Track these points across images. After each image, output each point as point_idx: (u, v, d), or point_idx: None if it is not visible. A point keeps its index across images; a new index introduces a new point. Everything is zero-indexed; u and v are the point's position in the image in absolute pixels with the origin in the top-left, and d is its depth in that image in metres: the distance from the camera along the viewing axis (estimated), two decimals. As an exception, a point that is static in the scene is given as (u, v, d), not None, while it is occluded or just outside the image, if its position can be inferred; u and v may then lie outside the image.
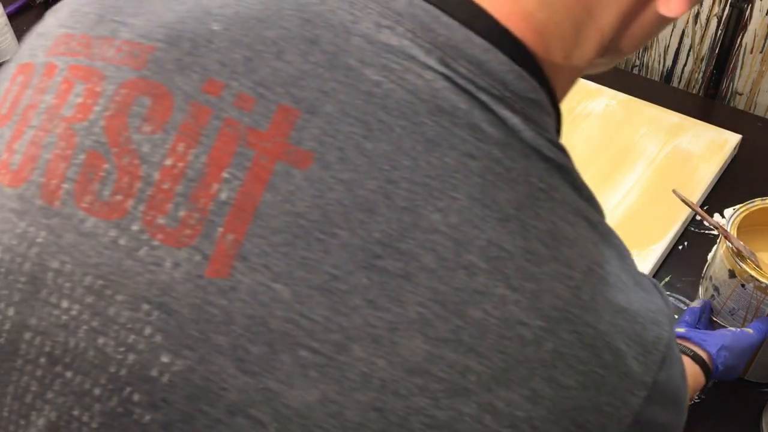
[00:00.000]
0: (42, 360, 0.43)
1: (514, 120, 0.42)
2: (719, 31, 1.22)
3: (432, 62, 0.41)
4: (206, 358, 0.40)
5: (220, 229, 0.40)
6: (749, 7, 1.16)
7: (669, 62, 1.31)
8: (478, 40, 0.42)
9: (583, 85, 1.21)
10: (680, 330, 0.81)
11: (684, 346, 0.78)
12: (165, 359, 0.41)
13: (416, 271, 0.39)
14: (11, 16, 1.42)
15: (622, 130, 1.14)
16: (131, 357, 0.41)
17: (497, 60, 0.42)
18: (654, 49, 1.31)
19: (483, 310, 0.39)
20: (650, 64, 1.33)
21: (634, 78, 1.31)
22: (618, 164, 1.07)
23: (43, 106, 0.45)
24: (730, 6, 1.17)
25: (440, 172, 0.40)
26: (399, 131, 0.40)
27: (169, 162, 0.41)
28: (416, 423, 0.39)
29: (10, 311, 0.44)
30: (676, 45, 1.28)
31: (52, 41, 0.47)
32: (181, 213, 0.41)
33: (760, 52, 1.21)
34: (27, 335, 0.43)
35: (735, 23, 1.17)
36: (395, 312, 0.39)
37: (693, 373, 0.77)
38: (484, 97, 0.42)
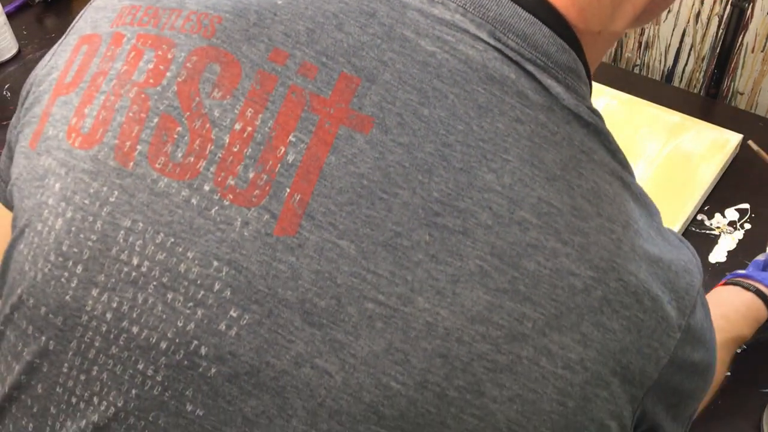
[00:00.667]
0: (108, 315, 0.45)
1: (557, 89, 0.45)
2: (720, 31, 1.22)
3: (483, 35, 0.44)
4: (274, 312, 0.43)
5: (288, 190, 0.43)
6: (750, 7, 1.16)
7: (670, 62, 1.30)
8: (525, 15, 0.45)
9: (583, 84, 1.21)
10: (742, 271, 0.85)
11: (747, 282, 0.82)
12: (233, 313, 0.43)
13: (474, 227, 0.42)
14: (10, 15, 1.42)
15: (623, 129, 1.14)
16: (200, 312, 0.44)
17: (542, 33, 0.45)
18: (655, 48, 1.30)
19: (537, 262, 0.42)
20: (651, 64, 1.33)
21: (635, 77, 1.30)
22: (619, 164, 1.07)
23: (113, 72, 0.47)
24: (731, 5, 1.16)
25: (492, 136, 0.43)
26: (453, 98, 0.43)
27: (238, 126, 0.44)
28: (479, 367, 0.42)
29: (78, 268, 0.46)
30: (677, 44, 1.28)
31: (116, 13, 0.50)
32: (251, 174, 0.43)
33: (762, 52, 1.20)
34: (94, 291, 0.46)
35: (736, 22, 1.17)
36: (456, 265, 0.42)
37: (756, 307, 0.80)
38: (530, 67, 0.45)
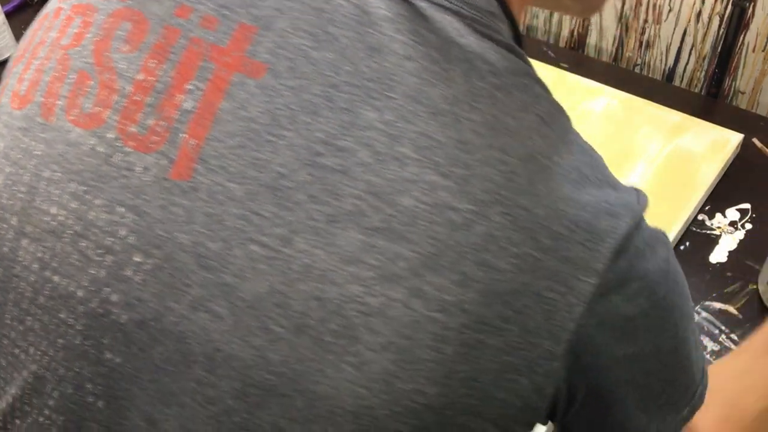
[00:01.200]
0: (35, 266, 0.47)
1: (455, 25, 0.45)
2: (721, 30, 1.22)
3: None
4: (171, 256, 0.44)
5: (183, 135, 0.44)
6: (751, 6, 1.16)
7: (671, 61, 1.30)
8: None
9: (583, 84, 1.20)
10: None
11: None
12: (137, 258, 0.44)
13: (353, 165, 0.42)
14: (9, 15, 1.41)
15: (623, 129, 1.13)
16: (109, 258, 0.45)
17: None
18: (655, 47, 1.30)
19: (413, 197, 0.41)
20: (652, 63, 1.32)
21: (636, 77, 1.30)
22: (619, 164, 1.07)
23: (48, 41, 0.50)
24: (732, 5, 1.16)
25: (379, 75, 0.43)
26: (344, 41, 0.43)
27: (141, 76, 0.45)
28: (351, 310, 0.41)
29: (14, 220, 0.48)
30: (677, 43, 1.27)
31: None
32: (150, 121, 0.45)
33: (762, 51, 1.20)
34: (24, 242, 0.47)
35: (737, 22, 1.17)
36: (334, 205, 0.42)
37: None
38: (424, 4, 0.44)
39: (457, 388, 0.42)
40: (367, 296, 0.41)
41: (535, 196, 0.43)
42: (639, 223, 0.46)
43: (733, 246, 0.99)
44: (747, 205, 1.04)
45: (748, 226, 1.01)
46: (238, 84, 0.44)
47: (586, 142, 0.48)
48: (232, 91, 0.44)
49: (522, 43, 0.51)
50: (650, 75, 1.33)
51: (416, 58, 0.43)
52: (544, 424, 0.48)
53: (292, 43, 0.44)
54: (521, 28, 0.52)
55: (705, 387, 0.53)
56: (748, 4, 1.15)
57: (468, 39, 0.44)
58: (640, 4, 1.26)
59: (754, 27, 1.18)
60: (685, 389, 0.51)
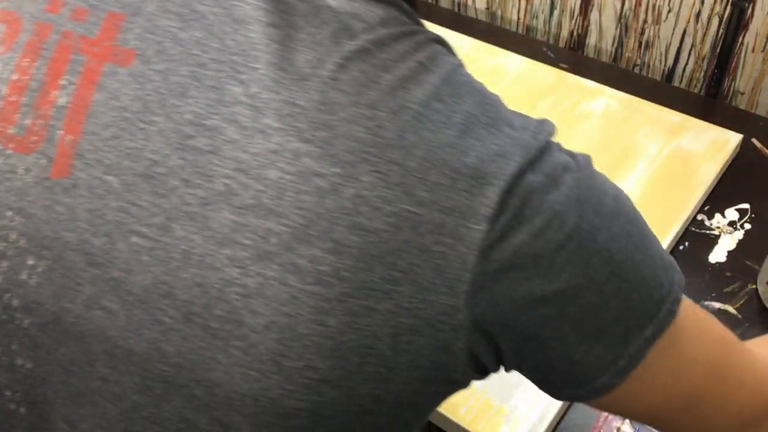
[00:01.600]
0: None
1: None
2: (721, 30, 1.22)
3: None
4: (61, 256, 0.43)
5: (60, 132, 0.43)
6: (751, 6, 1.16)
7: (670, 61, 1.30)
8: None
9: (583, 84, 1.21)
10: None
11: None
12: (30, 261, 0.44)
13: (221, 144, 0.41)
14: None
15: (623, 129, 1.13)
16: (4, 264, 0.45)
17: None
18: (655, 48, 1.30)
19: (279, 168, 0.40)
20: (651, 63, 1.32)
21: (635, 77, 1.30)
22: (619, 164, 1.07)
23: None
24: (731, 5, 1.16)
25: (244, 47, 0.42)
26: (212, 18, 0.43)
27: (15, 77, 0.45)
28: (231, 294, 0.41)
29: None
30: (677, 44, 1.28)
31: None
32: (27, 121, 0.44)
33: (762, 51, 1.20)
34: None
35: (736, 22, 1.17)
36: (206, 187, 0.41)
37: None
38: None
39: (350, 358, 0.41)
40: (245, 277, 0.41)
41: (406, 149, 0.41)
42: (537, 156, 0.43)
43: (732, 246, 0.99)
44: (746, 206, 1.04)
45: (748, 226, 1.02)
46: (109, 74, 0.43)
47: (478, 83, 0.46)
48: (104, 81, 0.43)
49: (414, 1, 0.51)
50: (650, 75, 1.33)
51: (281, 25, 0.42)
52: (478, 379, 0.47)
53: (160, 26, 0.43)
54: None
55: (676, 296, 0.48)
56: (747, 5, 1.15)
57: (338, 0, 0.44)
58: (640, 5, 1.27)
59: (753, 27, 1.18)
60: (641, 310, 0.47)
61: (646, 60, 1.33)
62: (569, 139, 1.10)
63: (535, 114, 1.14)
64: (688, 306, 0.50)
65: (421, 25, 0.48)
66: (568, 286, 0.44)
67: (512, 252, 0.42)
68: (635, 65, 1.34)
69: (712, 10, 1.21)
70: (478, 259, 0.41)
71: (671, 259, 0.50)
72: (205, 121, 0.41)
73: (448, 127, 0.42)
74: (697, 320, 0.51)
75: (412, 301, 0.41)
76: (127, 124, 0.43)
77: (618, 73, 1.29)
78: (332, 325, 0.41)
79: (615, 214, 0.46)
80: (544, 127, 0.46)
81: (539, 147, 0.44)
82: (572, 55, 1.35)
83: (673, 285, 0.49)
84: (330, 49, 0.42)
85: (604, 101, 1.18)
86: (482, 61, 1.27)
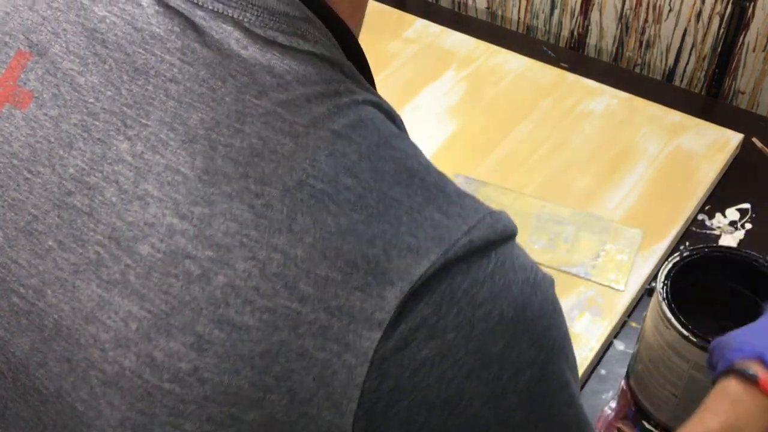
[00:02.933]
0: None
1: (236, 35, 0.38)
2: (721, 30, 1.22)
3: None
4: None
5: None
6: (751, 6, 1.16)
7: (671, 61, 1.30)
8: None
9: (583, 84, 1.20)
10: (743, 345, 0.59)
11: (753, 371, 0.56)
12: None
13: (99, 206, 0.37)
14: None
15: (623, 129, 1.13)
16: None
17: None
18: (656, 47, 1.30)
19: (150, 244, 0.36)
20: (652, 63, 1.32)
21: (636, 77, 1.30)
22: (619, 164, 1.07)
23: None
24: (732, 5, 1.16)
25: (138, 100, 0.38)
26: (111, 63, 0.39)
27: None
28: (93, 378, 0.37)
29: None
30: (678, 44, 1.27)
31: None
32: None
33: (763, 51, 1.20)
34: None
35: (737, 22, 1.17)
36: (78, 252, 0.37)
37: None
38: (200, 13, 0.39)
39: None
40: (104, 363, 0.37)
41: (295, 234, 0.35)
42: (466, 256, 0.37)
43: (734, 246, 0.99)
44: (747, 205, 1.04)
45: (748, 226, 1.01)
46: (7, 116, 0.40)
47: (417, 158, 0.39)
48: (1, 124, 0.40)
49: (354, 47, 0.44)
50: (650, 75, 1.33)
51: (182, 80, 0.38)
52: None
53: (61, 68, 0.40)
54: (358, 30, 0.45)
55: None
56: (748, 4, 1.15)
57: (251, 50, 0.38)
58: (640, 4, 1.26)
59: (754, 27, 1.18)
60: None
61: (647, 59, 1.32)
62: (569, 139, 1.10)
63: (536, 114, 1.14)
64: None
65: (359, 81, 0.41)
66: (474, 423, 0.38)
67: (413, 369, 0.36)
68: (636, 65, 1.34)
69: (713, 9, 1.21)
70: (369, 373, 0.35)
71: (592, 425, 0.45)
72: (86, 178, 0.38)
73: (356, 210, 0.36)
74: None
75: (287, 414, 0.36)
76: (14, 173, 0.39)
77: (618, 73, 1.29)
78: (188, 429, 0.36)
79: (557, 354, 0.39)
80: (492, 218, 0.39)
81: (472, 244, 0.37)
82: (573, 55, 1.34)
83: None
84: (230, 109, 0.37)
85: (604, 101, 1.18)
86: (482, 61, 1.26)
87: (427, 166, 0.40)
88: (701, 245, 0.78)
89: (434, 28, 1.33)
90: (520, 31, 1.42)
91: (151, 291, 0.36)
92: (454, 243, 0.37)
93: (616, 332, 0.90)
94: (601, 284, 0.91)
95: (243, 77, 0.38)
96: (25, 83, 0.40)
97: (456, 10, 1.47)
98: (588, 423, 0.43)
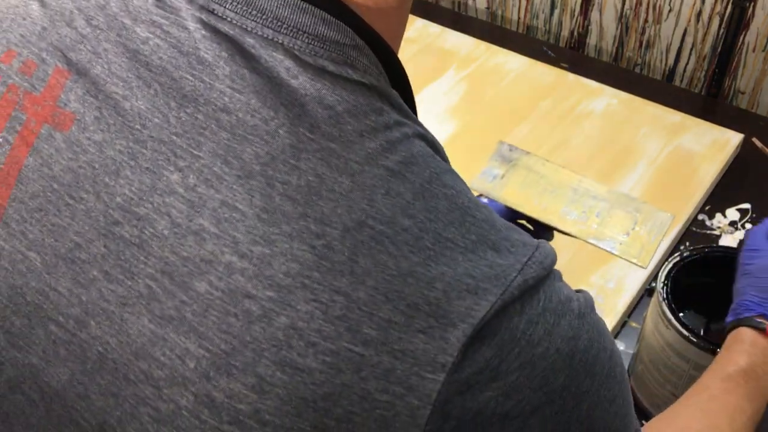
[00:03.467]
0: None
1: (287, 64, 0.37)
2: (721, 30, 1.22)
3: (194, 10, 0.38)
4: None
5: None
6: (752, 6, 1.16)
7: (671, 61, 1.30)
8: None
9: (584, 83, 1.20)
10: (751, 299, 0.65)
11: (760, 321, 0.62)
12: None
13: (150, 238, 0.36)
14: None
15: (624, 129, 1.13)
16: None
17: None
18: (656, 47, 1.30)
19: (208, 282, 0.35)
20: (652, 63, 1.32)
21: (636, 77, 1.30)
22: (619, 164, 1.07)
23: None
24: (732, 5, 1.16)
25: (188, 128, 0.37)
26: (157, 88, 0.38)
27: None
28: (144, 415, 0.36)
29: None
30: (678, 44, 1.27)
31: None
32: None
33: (763, 51, 1.20)
34: None
35: (737, 22, 1.17)
36: (127, 285, 0.36)
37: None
38: (250, 40, 0.38)
39: None
40: (158, 400, 0.36)
41: (357, 276, 0.35)
42: (521, 295, 0.37)
43: (733, 246, 0.99)
44: (747, 205, 1.04)
45: (748, 226, 1.01)
46: (46, 137, 0.39)
47: (464, 194, 0.39)
48: (39, 145, 0.39)
49: (401, 75, 0.43)
50: (650, 75, 1.33)
51: (233, 109, 0.37)
52: None
53: (104, 91, 0.38)
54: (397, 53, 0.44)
55: None
56: (748, 4, 1.15)
57: (301, 79, 0.37)
58: (640, 4, 1.26)
59: (754, 27, 1.18)
60: None
61: (647, 59, 1.32)
62: (569, 139, 1.10)
63: (536, 114, 1.14)
64: None
65: (405, 112, 0.41)
66: None
67: (476, 411, 0.36)
68: (636, 65, 1.34)
69: (713, 9, 1.21)
70: (432, 415, 0.35)
71: (638, 426, 0.46)
72: (135, 208, 0.36)
73: (414, 252, 0.36)
74: None
75: None
76: (54, 197, 0.38)
77: (618, 73, 1.29)
78: None
79: (608, 376, 0.40)
80: (540, 253, 0.39)
81: (527, 283, 0.37)
82: (573, 55, 1.34)
83: None
84: (284, 143, 0.36)
85: (604, 101, 1.18)
86: (482, 61, 1.26)
87: (476, 202, 0.40)
88: (701, 245, 0.78)
89: (434, 28, 1.33)
90: (520, 31, 1.42)
91: (209, 330, 0.35)
92: (510, 283, 0.37)
93: (616, 332, 0.90)
94: (626, 260, 0.92)
95: (295, 108, 0.37)
96: (66, 104, 0.39)
97: (456, 10, 1.47)
98: (634, 424, 0.45)
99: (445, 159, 0.42)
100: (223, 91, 0.37)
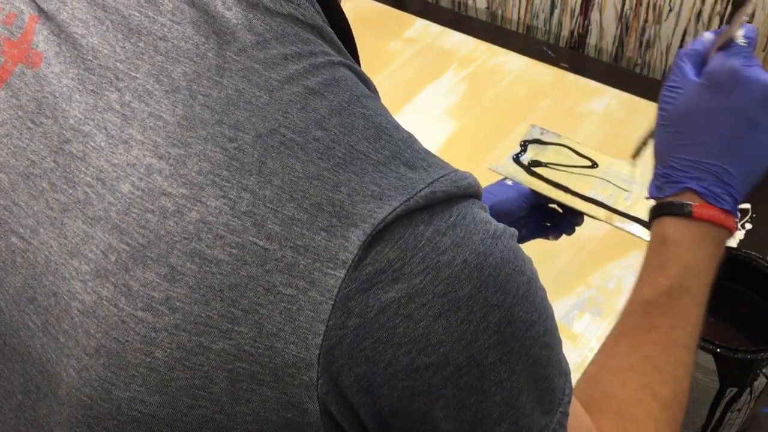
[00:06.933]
0: None
1: None
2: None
3: None
4: None
5: None
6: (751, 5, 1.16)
7: (671, 61, 1.30)
8: None
9: (584, 83, 1.20)
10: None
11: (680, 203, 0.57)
12: None
13: (90, 150, 0.40)
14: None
15: (624, 129, 1.13)
16: None
17: None
18: (656, 47, 1.30)
19: (131, 183, 0.39)
20: (652, 63, 1.32)
21: (636, 77, 1.30)
22: (619, 163, 1.07)
23: None
24: (732, 5, 1.16)
25: (130, 55, 0.41)
26: (108, 24, 0.42)
27: None
28: (74, 309, 0.40)
29: None
30: (678, 44, 1.27)
31: None
32: None
33: (762, 51, 1.20)
34: None
35: (737, 22, 1.17)
36: (68, 193, 0.40)
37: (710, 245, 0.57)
38: None
39: (180, 397, 0.39)
40: (84, 294, 0.39)
41: (264, 176, 0.38)
42: (426, 205, 0.39)
43: (733, 246, 0.99)
44: (747, 205, 1.04)
45: (749, 226, 1.01)
46: (19, 74, 0.43)
47: (386, 119, 0.42)
48: (12, 81, 0.43)
49: (337, 18, 0.47)
50: (650, 75, 1.33)
51: (170, 37, 0.41)
52: None
53: (65, 31, 0.43)
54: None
55: (565, 409, 0.45)
56: (748, 4, 1.15)
57: (234, 10, 0.41)
58: (640, 4, 1.26)
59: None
60: (527, 415, 0.43)
61: (647, 59, 1.32)
62: (570, 138, 1.10)
63: (536, 114, 1.14)
64: (575, 422, 0.47)
65: (339, 47, 0.44)
66: (446, 363, 0.39)
67: (379, 309, 0.38)
68: (636, 65, 1.34)
69: (713, 9, 1.21)
70: (334, 310, 0.37)
71: (569, 368, 0.46)
72: (82, 126, 0.41)
73: (323, 159, 0.38)
74: None
75: (254, 346, 0.38)
76: (19, 123, 0.42)
77: (619, 73, 1.29)
78: (159, 357, 0.38)
79: (522, 298, 0.41)
80: (456, 175, 0.41)
81: (434, 194, 0.39)
82: (573, 55, 1.34)
83: (564, 396, 0.45)
84: (210, 63, 0.40)
85: (604, 101, 1.18)
86: (482, 61, 1.26)
87: (396, 125, 0.42)
88: (701, 245, 0.78)
89: (434, 28, 1.33)
90: (520, 31, 1.42)
91: (130, 225, 0.38)
92: (416, 193, 0.39)
93: (616, 332, 0.90)
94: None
95: (226, 35, 0.41)
96: (36, 45, 0.43)
97: (456, 10, 1.48)
98: (560, 362, 0.45)
99: (374, 93, 0.44)
100: (164, 24, 0.41)
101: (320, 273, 0.37)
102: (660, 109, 0.60)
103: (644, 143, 0.69)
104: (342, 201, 0.38)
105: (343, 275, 0.37)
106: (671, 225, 0.57)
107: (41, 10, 0.44)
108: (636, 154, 0.73)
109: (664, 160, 0.59)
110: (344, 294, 0.37)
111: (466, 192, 0.41)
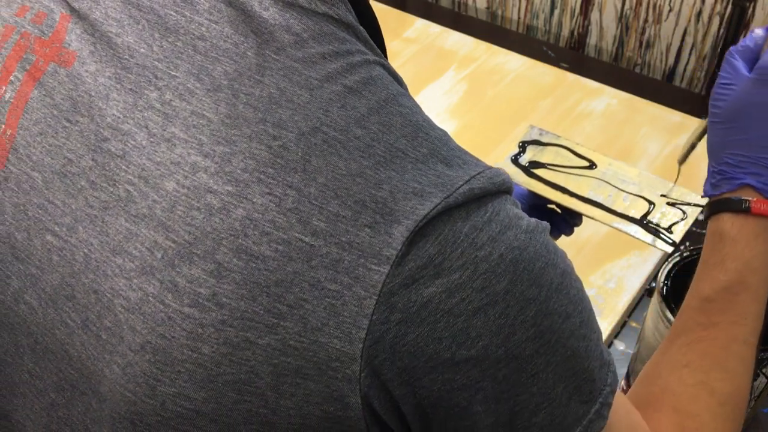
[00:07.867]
0: None
1: None
2: (721, 30, 1.22)
3: None
4: None
5: (2, 126, 0.44)
6: (752, 5, 1.16)
7: (671, 61, 1.30)
8: None
9: (584, 83, 1.20)
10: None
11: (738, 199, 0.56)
12: None
13: (131, 149, 0.40)
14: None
15: (624, 129, 1.13)
16: None
17: None
18: (656, 47, 1.30)
19: (176, 181, 0.39)
20: (652, 63, 1.32)
21: (636, 77, 1.30)
22: (619, 163, 1.07)
23: None
24: (732, 4, 1.16)
25: (168, 54, 0.41)
26: (144, 24, 0.42)
27: None
28: (118, 306, 0.40)
29: None
30: (678, 43, 1.27)
31: None
32: None
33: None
34: None
35: (737, 21, 1.17)
36: (109, 191, 0.40)
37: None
38: None
39: (225, 393, 0.39)
40: (129, 290, 0.39)
41: (308, 173, 0.38)
42: (465, 202, 0.39)
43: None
44: None
45: None
46: (51, 73, 0.43)
47: (420, 116, 0.42)
48: (45, 80, 0.43)
49: (368, 15, 0.48)
50: (650, 75, 1.33)
51: (209, 37, 0.41)
52: None
53: (99, 30, 0.43)
54: None
55: (607, 400, 0.45)
56: (748, 4, 1.15)
57: (271, 11, 0.41)
58: (640, 4, 1.26)
59: (754, 27, 1.18)
60: (566, 406, 0.43)
61: (647, 59, 1.32)
62: (569, 139, 1.10)
63: (536, 114, 1.14)
64: (621, 414, 0.46)
65: (371, 46, 0.45)
66: (485, 356, 0.39)
67: (420, 304, 0.38)
68: (636, 65, 1.34)
69: (713, 9, 1.21)
70: (378, 305, 0.38)
71: (611, 358, 0.46)
72: (121, 125, 0.41)
73: (365, 157, 0.39)
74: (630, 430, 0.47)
75: (299, 341, 0.38)
76: (53, 122, 0.42)
77: (618, 73, 1.29)
78: (206, 353, 0.38)
79: (557, 290, 0.41)
80: (491, 172, 0.41)
81: (472, 191, 0.40)
82: (573, 55, 1.34)
83: (606, 386, 0.45)
84: (251, 62, 0.40)
85: (604, 101, 1.18)
86: (482, 61, 1.26)
87: (431, 123, 0.43)
88: (701, 245, 0.78)
89: (434, 28, 1.33)
90: (520, 31, 1.42)
91: (175, 223, 0.39)
92: (455, 189, 0.39)
93: (616, 332, 0.90)
94: (650, 244, 0.91)
95: (264, 35, 0.41)
96: (69, 44, 0.43)
97: (456, 10, 1.47)
98: (601, 353, 0.45)
99: (406, 91, 0.45)
100: (201, 23, 0.42)
101: (364, 269, 0.38)
102: (712, 106, 0.61)
103: (691, 147, 0.69)
104: (384, 198, 0.38)
105: (387, 271, 0.38)
106: (729, 221, 0.57)
107: (73, 9, 0.44)
108: (683, 160, 0.73)
109: (719, 157, 0.59)
110: (388, 289, 0.38)
111: (500, 189, 0.41)
